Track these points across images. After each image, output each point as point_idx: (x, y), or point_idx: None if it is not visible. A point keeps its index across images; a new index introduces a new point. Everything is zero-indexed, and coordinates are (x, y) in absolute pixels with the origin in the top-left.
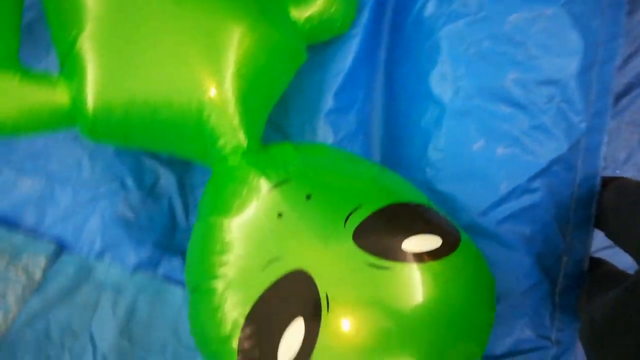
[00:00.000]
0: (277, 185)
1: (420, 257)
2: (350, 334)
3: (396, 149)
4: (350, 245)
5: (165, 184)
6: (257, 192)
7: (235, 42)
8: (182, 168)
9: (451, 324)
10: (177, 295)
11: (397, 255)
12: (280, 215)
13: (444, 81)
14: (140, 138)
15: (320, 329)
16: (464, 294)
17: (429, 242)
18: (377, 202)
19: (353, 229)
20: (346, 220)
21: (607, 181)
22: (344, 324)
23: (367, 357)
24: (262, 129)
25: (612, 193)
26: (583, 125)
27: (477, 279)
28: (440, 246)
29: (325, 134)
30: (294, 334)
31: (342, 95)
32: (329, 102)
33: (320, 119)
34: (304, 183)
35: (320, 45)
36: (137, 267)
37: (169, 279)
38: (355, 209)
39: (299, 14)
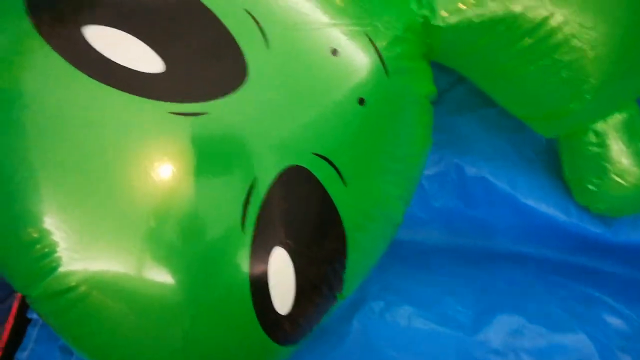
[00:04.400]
0: (376, 54)
1: (257, 282)
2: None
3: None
4: (276, 162)
5: None
6: (359, 25)
7: None
8: None
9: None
10: None
11: (258, 247)
12: (334, 52)
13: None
14: None
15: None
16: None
17: (286, 288)
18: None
19: (299, 162)
20: (317, 155)
21: None
22: None
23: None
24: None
25: None
26: None
27: None
28: (285, 309)
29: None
30: (131, 56)
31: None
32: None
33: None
34: (385, 97)
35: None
36: None
37: None
38: (334, 169)
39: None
